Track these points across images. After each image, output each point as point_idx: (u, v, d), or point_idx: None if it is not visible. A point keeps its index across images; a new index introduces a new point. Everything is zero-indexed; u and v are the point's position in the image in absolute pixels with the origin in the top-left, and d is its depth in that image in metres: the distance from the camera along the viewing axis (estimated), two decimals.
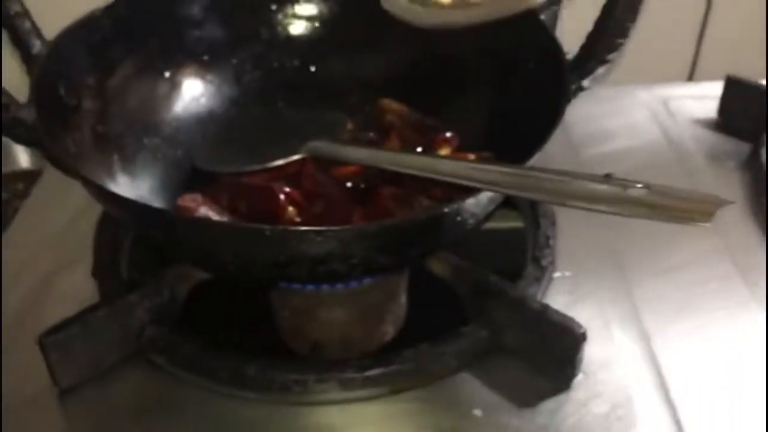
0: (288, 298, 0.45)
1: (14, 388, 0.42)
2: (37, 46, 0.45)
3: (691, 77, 0.76)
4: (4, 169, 0.74)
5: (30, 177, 0.75)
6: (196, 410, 0.41)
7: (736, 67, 0.59)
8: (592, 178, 0.34)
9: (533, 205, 0.50)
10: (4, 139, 0.75)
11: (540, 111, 0.43)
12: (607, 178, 0.34)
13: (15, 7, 0.44)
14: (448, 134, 0.49)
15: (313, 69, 0.56)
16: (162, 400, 0.41)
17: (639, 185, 0.32)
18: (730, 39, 0.75)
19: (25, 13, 0.45)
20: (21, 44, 0.44)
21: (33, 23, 0.45)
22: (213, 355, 0.41)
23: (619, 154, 0.57)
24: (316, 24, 0.56)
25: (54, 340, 0.39)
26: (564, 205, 0.34)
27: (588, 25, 0.44)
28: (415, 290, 0.46)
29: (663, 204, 0.31)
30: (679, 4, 0.72)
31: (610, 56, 0.42)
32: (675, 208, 0.31)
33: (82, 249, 0.49)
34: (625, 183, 0.32)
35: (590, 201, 0.33)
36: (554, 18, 0.48)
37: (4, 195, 0.73)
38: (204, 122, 0.53)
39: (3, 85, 0.41)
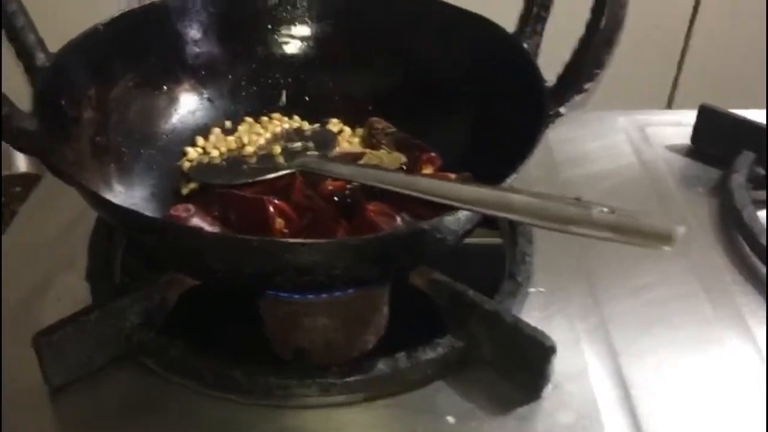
0: (274, 305, 0.47)
1: (7, 385, 0.43)
2: (41, 58, 0.46)
3: (669, 105, 0.79)
4: (4, 173, 0.76)
5: (28, 180, 0.77)
6: (182, 411, 0.42)
7: (714, 98, 0.62)
8: (563, 200, 0.36)
9: (512, 224, 0.53)
10: (3, 143, 0.77)
11: (519, 135, 0.45)
12: (576, 201, 0.36)
13: (20, 21, 0.46)
14: (432, 154, 0.52)
15: (305, 86, 0.58)
16: (149, 401, 0.43)
17: (605, 209, 0.34)
18: (707, 71, 0.78)
19: (30, 26, 0.46)
20: (25, 56, 0.46)
21: (37, 36, 0.47)
22: (199, 358, 0.43)
23: (596, 176, 0.59)
24: (310, 44, 0.58)
25: (48, 340, 0.41)
26: (535, 225, 0.37)
27: (567, 55, 0.46)
28: (397, 302, 0.48)
29: (626, 228, 0.33)
30: (660, 39, 0.75)
31: (587, 85, 0.45)
32: (638, 232, 0.33)
33: (78, 253, 0.51)
34: (591, 206, 0.34)
35: (559, 222, 0.35)
36: (536, 47, 0.50)
37: (1, 198, 0.75)
38: (199, 134, 0.55)
39: (7, 94, 0.43)
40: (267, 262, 0.38)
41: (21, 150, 0.42)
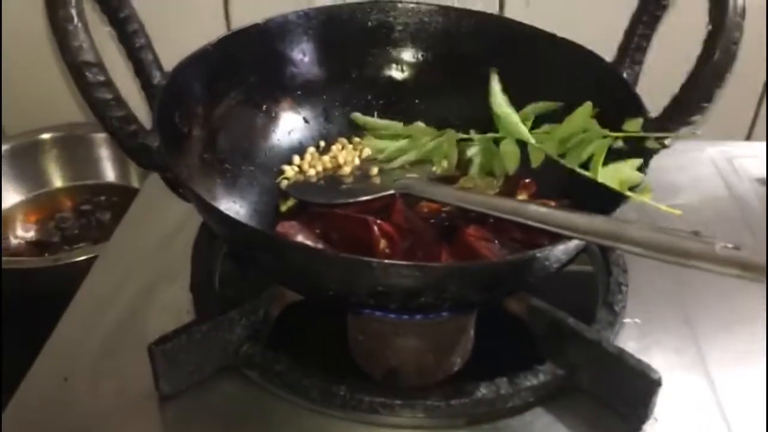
0: (366, 324, 0.47)
1: (116, 391, 0.45)
2: (157, 76, 0.48)
3: (749, 137, 0.79)
4: (93, 181, 0.78)
5: (113, 190, 0.79)
6: (285, 424, 0.43)
7: None
8: (680, 233, 0.36)
9: (604, 252, 0.53)
10: (93, 154, 0.80)
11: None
12: (695, 234, 0.36)
13: (140, 40, 0.48)
14: (527, 180, 0.52)
15: (396, 109, 0.59)
16: (253, 412, 0.44)
17: (730, 245, 0.34)
18: None
19: (149, 46, 0.48)
20: (143, 74, 0.48)
21: (155, 55, 0.49)
22: (304, 374, 0.44)
23: (686, 208, 0.58)
24: (403, 67, 0.60)
25: (162, 349, 0.42)
26: (654, 258, 0.37)
27: (666, 85, 0.47)
28: (484, 326, 0.48)
29: (755, 264, 0.33)
30: (743, 69, 0.74)
31: (694, 118, 0.45)
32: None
33: (177, 265, 0.52)
34: (714, 241, 0.34)
35: (679, 256, 0.35)
36: (636, 77, 0.51)
37: (87, 206, 0.78)
38: (295, 153, 0.56)
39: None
40: (381, 283, 0.39)
41: (143, 165, 0.44)
